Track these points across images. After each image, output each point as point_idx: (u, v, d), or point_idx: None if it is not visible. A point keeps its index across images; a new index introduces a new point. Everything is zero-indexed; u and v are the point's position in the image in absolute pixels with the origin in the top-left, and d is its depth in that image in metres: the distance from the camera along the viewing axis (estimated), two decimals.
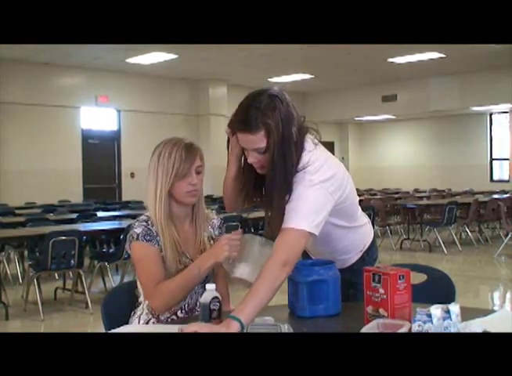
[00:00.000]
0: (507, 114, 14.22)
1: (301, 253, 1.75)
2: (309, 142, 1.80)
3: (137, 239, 1.84)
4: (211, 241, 1.99)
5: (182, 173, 1.84)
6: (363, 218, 2.06)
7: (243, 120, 1.70)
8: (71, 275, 5.58)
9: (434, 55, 10.64)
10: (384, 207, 9.31)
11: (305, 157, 1.75)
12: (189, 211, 1.96)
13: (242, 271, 1.74)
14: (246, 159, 1.83)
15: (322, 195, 1.72)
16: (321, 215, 1.71)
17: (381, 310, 1.59)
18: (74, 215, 6.91)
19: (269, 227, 1.84)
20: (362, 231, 2.05)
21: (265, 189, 1.82)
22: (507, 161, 14.31)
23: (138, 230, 1.85)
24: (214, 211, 2.08)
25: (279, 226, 1.71)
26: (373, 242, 2.09)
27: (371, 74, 12.65)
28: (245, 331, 1.49)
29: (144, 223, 1.87)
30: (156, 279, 1.81)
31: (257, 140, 1.69)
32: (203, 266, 1.78)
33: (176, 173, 1.84)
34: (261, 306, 1.57)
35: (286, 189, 1.72)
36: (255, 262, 1.73)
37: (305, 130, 1.81)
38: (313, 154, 1.77)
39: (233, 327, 1.48)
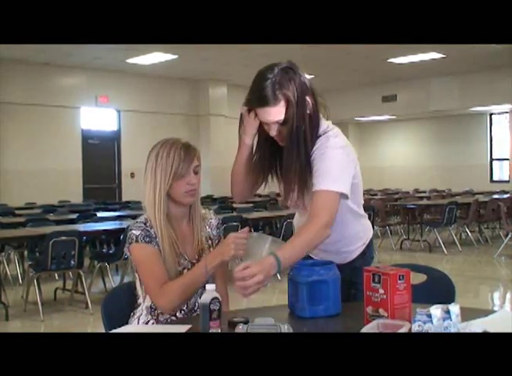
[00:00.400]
0: (507, 114, 14.22)
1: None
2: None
3: (136, 241, 1.84)
4: (209, 241, 1.99)
5: (181, 173, 1.85)
6: (364, 213, 2.10)
7: (262, 94, 1.76)
8: (71, 275, 5.58)
9: (435, 55, 10.64)
10: (384, 207, 9.30)
11: (324, 123, 1.87)
12: (187, 211, 1.96)
13: None
14: (260, 135, 1.90)
15: (345, 159, 1.82)
16: (348, 177, 1.80)
17: (381, 310, 1.59)
18: (74, 216, 6.91)
19: (285, 198, 1.91)
20: (366, 223, 2.09)
21: (283, 158, 1.86)
22: (507, 161, 14.30)
23: (136, 232, 1.85)
24: (211, 211, 2.08)
25: (299, 194, 1.83)
26: (372, 240, 2.11)
27: (371, 74, 12.65)
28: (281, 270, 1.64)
29: (142, 225, 1.86)
30: (160, 279, 1.80)
31: (277, 112, 1.76)
32: (209, 264, 1.78)
33: (175, 173, 1.84)
34: (300, 255, 1.70)
35: (306, 157, 1.81)
36: None
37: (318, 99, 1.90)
38: (329, 122, 1.88)
39: (272, 264, 1.59)
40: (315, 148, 1.83)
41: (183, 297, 1.81)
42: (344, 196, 1.78)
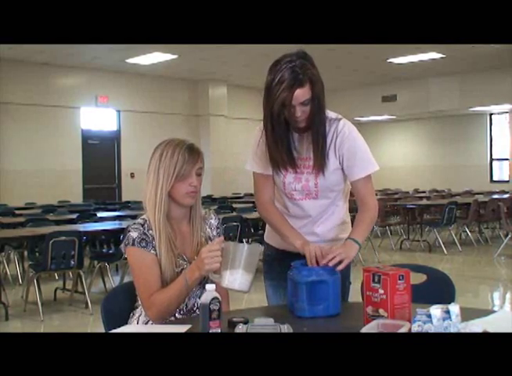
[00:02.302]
0: (507, 114, 14.21)
1: None
2: None
3: (132, 244, 1.83)
4: (209, 242, 1.98)
5: (184, 174, 1.85)
6: None
7: (290, 79, 1.86)
8: (71, 275, 5.58)
9: (435, 55, 10.64)
10: (384, 207, 9.29)
11: (330, 112, 2.06)
12: (187, 212, 1.96)
13: (228, 282, 1.69)
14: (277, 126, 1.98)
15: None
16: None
17: (381, 310, 1.59)
18: (74, 216, 6.90)
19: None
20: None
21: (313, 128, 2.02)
22: (507, 161, 14.30)
23: (134, 235, 1.84)
24: (212, 212, 2.08)
25: (316, 173, 2.03)
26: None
27: (371, 74, 12.65)
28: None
29: (140, 228, 1.86)
30: (151, 289, 1.80)
31: (305, 92, 1.89)
32: (189, 279, 1.77)
33: (178, 174, 1.84)
34: (367, 234, 2.11)
35: (324, 128, 2.01)
36: (243, 269, 1.68)
37: None
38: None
39: (354, 246, 1.95)
40: (339, 131, 2.02)
41: (171, 308, 1.81)
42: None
